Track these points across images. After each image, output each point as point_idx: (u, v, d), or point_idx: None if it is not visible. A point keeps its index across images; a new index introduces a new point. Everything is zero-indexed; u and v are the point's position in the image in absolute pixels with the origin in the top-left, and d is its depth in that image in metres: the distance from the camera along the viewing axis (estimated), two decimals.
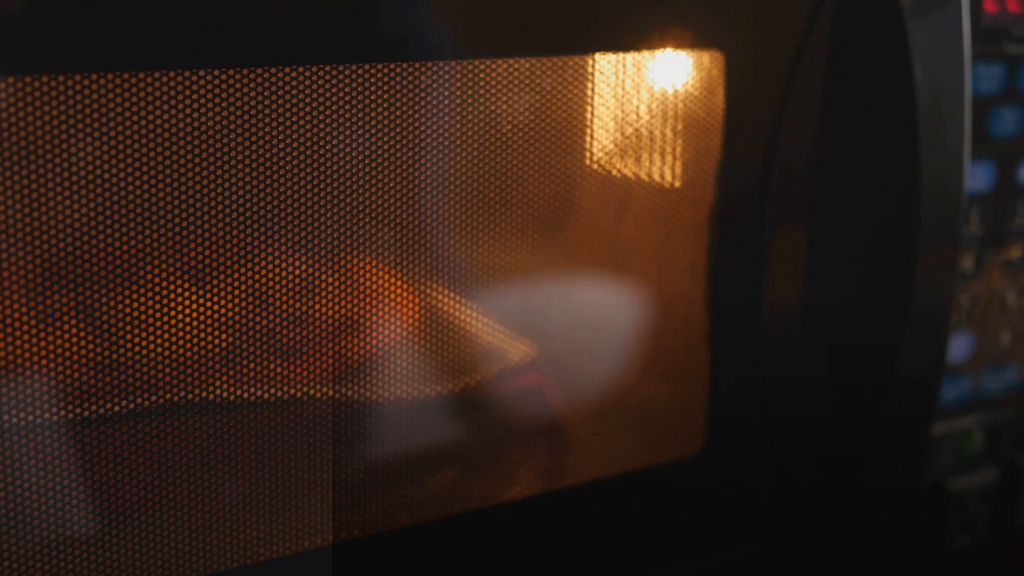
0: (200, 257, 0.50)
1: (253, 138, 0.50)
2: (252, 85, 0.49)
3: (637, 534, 0.65)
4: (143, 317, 0.49)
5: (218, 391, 0.52)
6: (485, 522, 0.60)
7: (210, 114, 0.48)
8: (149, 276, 0.49)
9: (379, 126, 0.53)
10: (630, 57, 0.60)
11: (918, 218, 0.62)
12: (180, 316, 0.50)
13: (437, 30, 0.54)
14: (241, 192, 0.50)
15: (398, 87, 0.53)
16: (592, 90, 0.59)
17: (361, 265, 0.54)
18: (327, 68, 0.51)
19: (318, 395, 0.54)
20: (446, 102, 0.54)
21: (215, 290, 0.50)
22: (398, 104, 0.53)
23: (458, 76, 0.54)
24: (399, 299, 0.55)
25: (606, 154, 0.61)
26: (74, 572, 0.49)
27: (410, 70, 0.53)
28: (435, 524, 0.58)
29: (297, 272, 0.52)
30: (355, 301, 0.54)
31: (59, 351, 0.48)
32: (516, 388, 0.62)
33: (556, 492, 0.62)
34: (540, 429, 0.63)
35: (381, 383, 0.56)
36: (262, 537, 0.54)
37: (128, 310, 0.48)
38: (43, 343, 0.47)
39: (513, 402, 0.62)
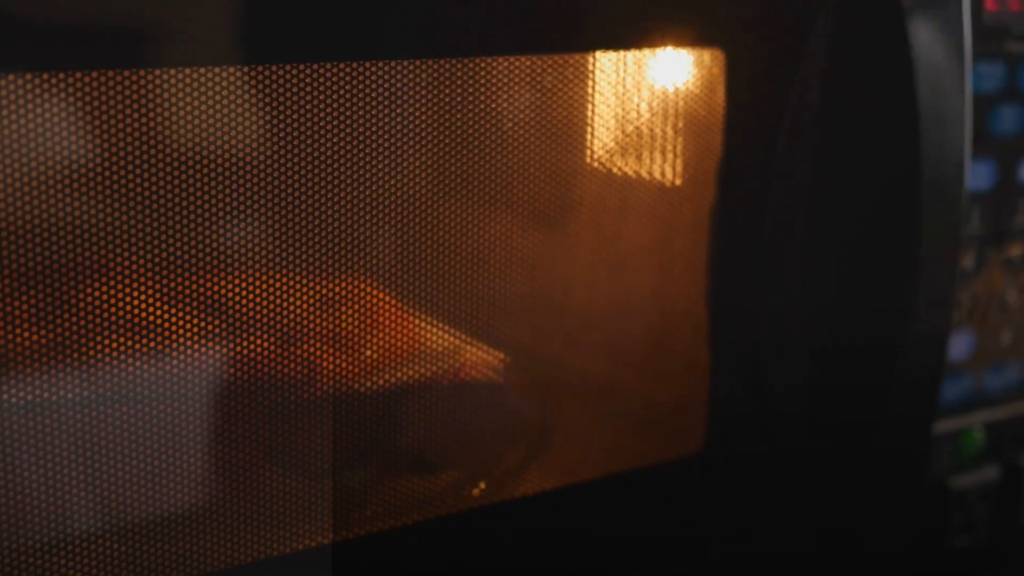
0: (202, 257, 0.50)
1: (254, 137, 0.49)
2: (253, 84, 0.49)
3: (637, 533, 0.65)
4: (145, 316, 0.49)
5: (222, 391, 0.52)
6: (485, 521, 0.60)
7: (211, 112, 0.48)
8: (149, 276, 0.49)
9: (379, 124, 0.52)
10: (631, 55, 0.60)
11: (919, 216, 0.62)
12: (182, 316, 0.50)
13: (437, 27, 0.53)
14: (241, 190, 0.50)
15: (398, 85, 0.52)
16: (593, 88, 0.59)
17: (361, 264, 0.54)
18: (327, 66, 0.50)
19: (320, 394, 0.54)
20: (447, 100, 0.54)
21: (215, 291, 0.50)
22: (398, 102, 0.53)
23: (459, 74, 0.54)
24: (400, 298, 0.55)
25: (607, 152, 0.61)
26: (74, 571, 0.49)
27: (411, 68, 0.53)
28: (435, 523, 0.58)
29: (297, 272, 0.52)
30: (356, 300, 0.54)
31: (60, 350, 0.48)
32: (513, 385, 0.62)
33: (556, 491, 0.62)
34: (540, 427, 0.63)
35: (382, 382, 0.56)
36: (262, 535, 0.53)
37: (132, 309, 0.48)
38: (44, 340, 0.47)
39: (513, 401, 0.62)
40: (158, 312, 0.49)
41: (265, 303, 0.52)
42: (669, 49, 0.61)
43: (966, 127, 0.63)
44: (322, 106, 0.51)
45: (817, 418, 0.67)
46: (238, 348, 0.52)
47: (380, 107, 0.52)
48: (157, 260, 0.49)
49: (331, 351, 0.54)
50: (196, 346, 0.50)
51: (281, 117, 0.50)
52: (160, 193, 0.48)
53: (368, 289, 0.54)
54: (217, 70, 0.48)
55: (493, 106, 0.55)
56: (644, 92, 0.61)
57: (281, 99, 0.50)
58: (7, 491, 0.47)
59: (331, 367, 0.54)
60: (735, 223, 0.63)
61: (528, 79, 0.56)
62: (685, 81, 0.62)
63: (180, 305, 0.50)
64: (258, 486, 0.53)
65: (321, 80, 0.50)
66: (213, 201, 0.49)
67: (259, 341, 0.52)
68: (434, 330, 0.57)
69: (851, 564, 0.70)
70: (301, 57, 0.50)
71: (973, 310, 0.71)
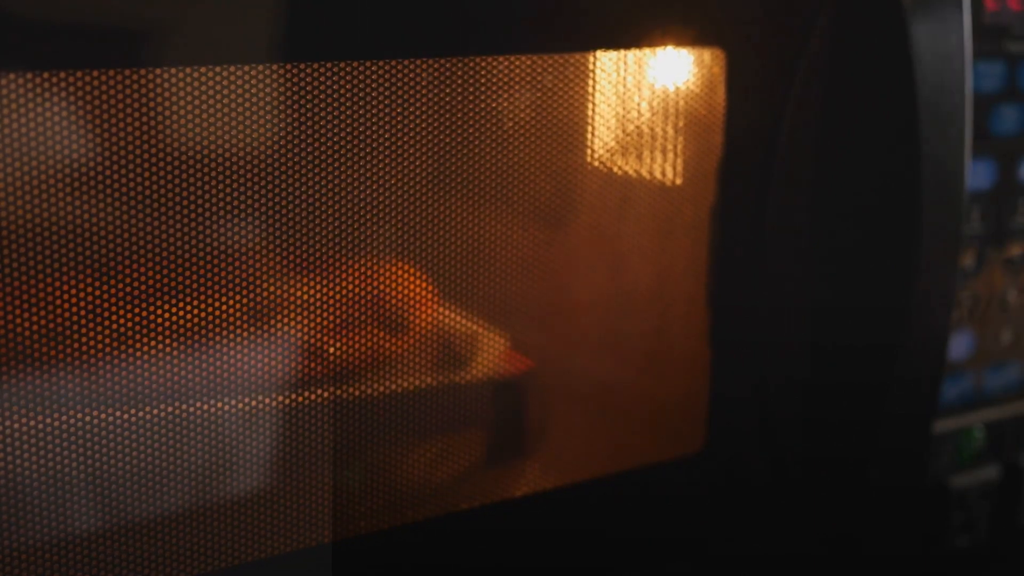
0: (199, 256, 0.49)
1: (254, 136, 0.49)
2: (253, 83, 0.49)
3: (636, 532, 0.65)
4: (144, 314, 0.49)
5: (222, 390, 0.51)
6: (484, 520, 0.60)
7: (211, 112, 0.48)
8: (147, 274, 0.49)
9: (379, 123, 0.52)
10: (631, 54, 0.60)
11: (919, 216, 0.62)
12: (183, 316, 0.50)
13: (437, 26, 0.53)
14: (241, 189, 0.50)
15: (398, 84, 0.52)
16: (593, 87, 0.59)
17: (362, 263, 0.54)
18: (328, 65, 0.50)
19: (319, 392, 0.54)
20: (447, 99, 0.54)
21: (215, 291, 0.50)
22: (399, 101, 0.53)
23: (459, 73, 0.54)
24: (400, 296, 0.55)
25: (607, 152, 0.61)
26: (74, 570, 0.49)
27: (411, 67, 0.53)
28: (434, 523, 0.58)
29: (298, 271, 0.52)
30: (356, 298, 0.54)
31: (61, 350, 0.47)
32: (513, 384, 0.62)
33: (556, 490, 0.62)
34: (540, 426, 0.63)
35: (382, 380, 0.56)
36: (262, 534, 0.53)
37: (130, 306, 0.48)
38: (44, 342, 0.47)
39: (513, 399, 0.62)
40: (156, 310, 0.49)
41: (264, 301, 0.52)
42: (670, 48, 0.61)
43: (966, 127, 0.63)
44: (322, 106, 0.51)
45: (817, 418, 0.67)
46: (238, 346, 0.52)
47: (380, 106, 0.52)
48: (156, 258, 0.49)
49: (331, 349, 0.54)
50: (196, 345, 0.50)
51: (281, 117, 0.50)
52: (160, 193, 0.48)
53: (367, 288, 0.54)
54: (218, 70, 0.48)
55: (493, 106, 0.55)
56: (644, 91, 0.61)
57: (281, 99, 0.50)
58: (8, 491, 0.47)
59: (331, 365, 0.54)
60: (735, 223, 0.63)
61: (528, 79, 0.56)
62: (685, 80, 0.62)
63: (178, 302, 0.50)
64: (258, 486, 0.53)
65: (321, 80, 0.50)
66: (213, 200, 0.49)
67: (259, 339, 0.52)
68: (434, 329, 0.57)
69: (851, 564, 0.70)
70: (302, 57, 0.50)
71: (973, 310, 0.71)
